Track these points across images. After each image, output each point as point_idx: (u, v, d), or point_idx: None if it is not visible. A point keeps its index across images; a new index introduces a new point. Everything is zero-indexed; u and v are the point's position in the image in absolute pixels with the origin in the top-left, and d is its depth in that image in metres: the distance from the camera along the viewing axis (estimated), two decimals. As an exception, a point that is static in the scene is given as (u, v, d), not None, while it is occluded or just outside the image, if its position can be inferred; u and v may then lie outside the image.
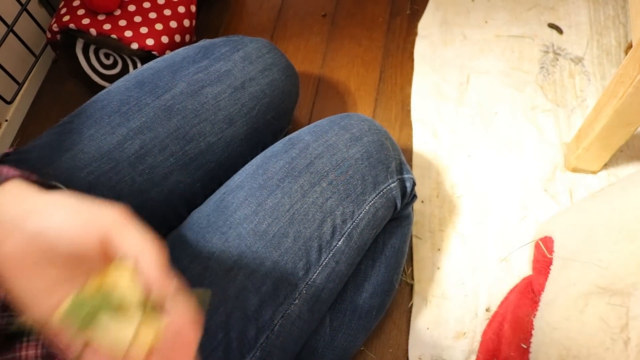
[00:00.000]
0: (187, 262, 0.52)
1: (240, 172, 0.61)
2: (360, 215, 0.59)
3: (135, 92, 0.61)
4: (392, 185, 0.62)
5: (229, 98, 0.64)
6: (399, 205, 0.64)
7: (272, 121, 0.70)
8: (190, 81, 0.63)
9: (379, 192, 0.61)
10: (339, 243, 0.57)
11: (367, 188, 0.60)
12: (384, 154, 0.63)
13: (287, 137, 0.64)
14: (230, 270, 0.51)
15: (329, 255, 0.56)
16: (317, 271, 0.56)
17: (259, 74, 0.68)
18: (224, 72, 0.65)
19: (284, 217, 0.55)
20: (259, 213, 0.55)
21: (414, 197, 0.68)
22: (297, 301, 0.54)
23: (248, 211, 0.55)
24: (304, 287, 0.54)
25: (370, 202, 0.60)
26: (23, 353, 0.37)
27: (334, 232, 0.57)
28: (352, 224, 0.58)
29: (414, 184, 0.66)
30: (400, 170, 0.64)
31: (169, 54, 0.68)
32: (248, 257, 0.52)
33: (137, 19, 0.89)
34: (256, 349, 0.51)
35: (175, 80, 0.63)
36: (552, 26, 1.02)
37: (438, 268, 0.80)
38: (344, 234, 0.58)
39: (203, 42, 0.70)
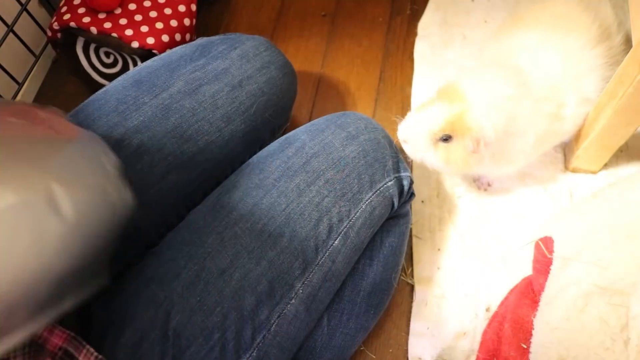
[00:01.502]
0: (184, 262, 0.52)
1: (236, 172, 0.61)
2: (357, 214, 0.59)
3: (132, 91, 0.61)
4: (389, 183, 0.62)
5: (227, 96, 0.65)
6: (396, 203, 0.64)
7: (270, 119, 0.70)
8: (187, 80, 0.63)
9: (376, 191, 0.61)
10: (335, 242, 0.57)
11: (363, 187, 0.60)
12: (381, 152, 0.63)
13: (283, 137, 0.64)
14: (226, 270, 0.51)
15: (325, 255, 0.56)
16: (314, 270, 0.55)
17: (257, 72, 0.68)
18: (222, 70, 0.65)
19: (279, 217, 0.55)
20: (254, 213, 0.54)
21: (411, 195, 0.68)
22: (293, 301, 0.54)
23: (244, 211, 0.55)
24: (301, 287, 0.54)
25: (367, 200, 0.60)
26: None
27: (330, 231, 0.57)
28: (349, 223, 0.58)
29: (411, 182, 0.66)
30: (398, 168, 0.64)
31: (165, 53, 0.69)
32: (244, 257, 0.52)
33: (138, 17, 0.89)
34: (253, 348, 0.51)
35: (173, 78, 0.63)
36: (552, 26, 1.02)
37: (438, 268, 0.79)
38: (340, 233, 0.58)
39: (200, 41, 0.70)
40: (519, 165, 0.76)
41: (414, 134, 0.67)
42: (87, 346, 0.43)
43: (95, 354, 0.43)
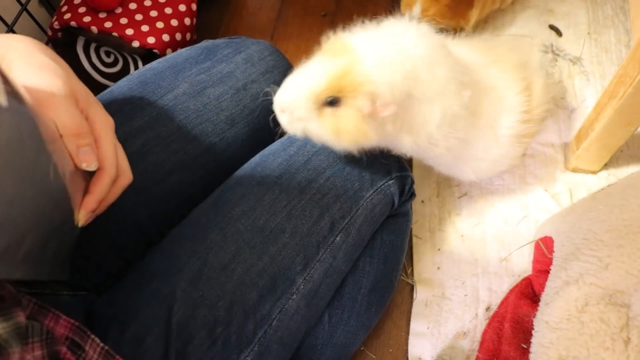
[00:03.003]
0: (186, 258, 0.52)
1: (239, 170, 0.62)
2: (358, 211, 0.59)
3: (138, 92, 0.62)
4: (390, 182, 0.63)
5: (231, 99, 0.65)
6: (396, 202, 0.64)
7: (273, 123, 0.70)
8: (192, 82, 0.64)
9: (377, 189, 0.61)
10: (337, 239, 0.57)
11: (364, 184, 0.60)
12: (382, 151, 0.63)
13: (285, 136, 0.64)
14: (228, 265, 0.52)
15: (327, 251, 0.57)
16: (315, 266, 0.56)
17: (261, 76, 0.68)
18: (226, 73, 0.66)
19: (281, 213, 0.55)
20: (256, 209, 0.55)
21: (412, 194, 0.68)
22: (294, 296, 0.54)
23: (246, 207, 0.55)
24: (302, 282, 0.55)
25: (368, 198, 0.60)
26: (29, 355, 0.37)
27: (332, 228, 0.57)
28: (350, 219, 0.58)
29: (412, 182, 0.66)
30: (398, 167, 0.64)
31: (171, 55, 0.69)
32: (246, 252, 0.52)
33: (138, 17, 0.89)
34: (254, 343, 0.51)
35: (178, 81, 0.63)
36: (552, 27, 1.02)
37: (438, 268, 0.79)
38: (342, 229, 0.58)
39: (205, 43, 0.70)
40: (429, 143, 0.60)
41: (292, 100, 0.55)
42: (92, 336, 0.43)
43: (102, 344, 0.43)
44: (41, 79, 0.41)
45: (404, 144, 0.59)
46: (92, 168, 0.42)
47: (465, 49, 0.69)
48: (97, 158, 0.43)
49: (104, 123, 0.45)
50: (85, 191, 0.44)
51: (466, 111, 0.59)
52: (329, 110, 0.54)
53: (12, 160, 0.31)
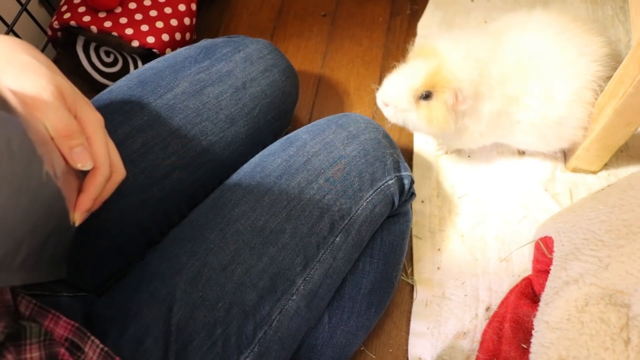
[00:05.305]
0: (186, 258, 0.52)
1: (238, 170, 0.62)
2: (358, 211, 0.59)
3: (137, 91, 0.62)
4: (390, 182, 0.62)
5: (230, 98, 0.65)
6: (396, 202, 0.64)
7: (273, 121, 0.71)
8: (192, 81, 0.64)
9: (377, 189, 0.61)
10: (337, 239, 0.57)
11: (364, 184, 0.60)
12: (381, 151, 0.63)
13: (285, 137, 0.65)
14: (228, 265, 0.52)
15: (327, 251, 0.57)
16: (315, 267, 0.56)
17: (260, 75, 0.68)
18: (225, 72, 0.66)
19: (281, 214, 0.55)
20: (256, 210, 0.55)
21: (412, 194, 0.68)
22: (294, 297, 0.54)
23: (245, 208, 0.55)
24: (302, 283, 0.55)
25: (368, 198, 0.60)
26: (27, 356, 0.37)
27: (332, 228, 0.57)
28: (350, 220, 0.58)
29: (412, 182, 0.66)
30: (398, 167, 0.64)
31: (170, 54, 0.69)
32: (246, 252, 0.52)
33: (138, 16, 0.89)
34: (254, 344, 0.51)
35: (177, 80, 0.63)
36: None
37: (438, 268, 0.79)
38: (342, 229, 0.58)
39: (204, 42, 0.71)
40: (474, 141, 0.76)
41: (395, 95, 0.68)
42: (92, 337, 0.43)
43: (101, 345, 0.43)
44: (26, 80, 0.40)
45: (461, 142, 0.76)
46: (87, 168, 0.42)
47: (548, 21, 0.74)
48: (91, 157, 0.43)
49: (94, 120, 0.45)
50: (79, 190, 0.44)
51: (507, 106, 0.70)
52: (424, 103, 0.68)
53: (2, 171, 0.31)
